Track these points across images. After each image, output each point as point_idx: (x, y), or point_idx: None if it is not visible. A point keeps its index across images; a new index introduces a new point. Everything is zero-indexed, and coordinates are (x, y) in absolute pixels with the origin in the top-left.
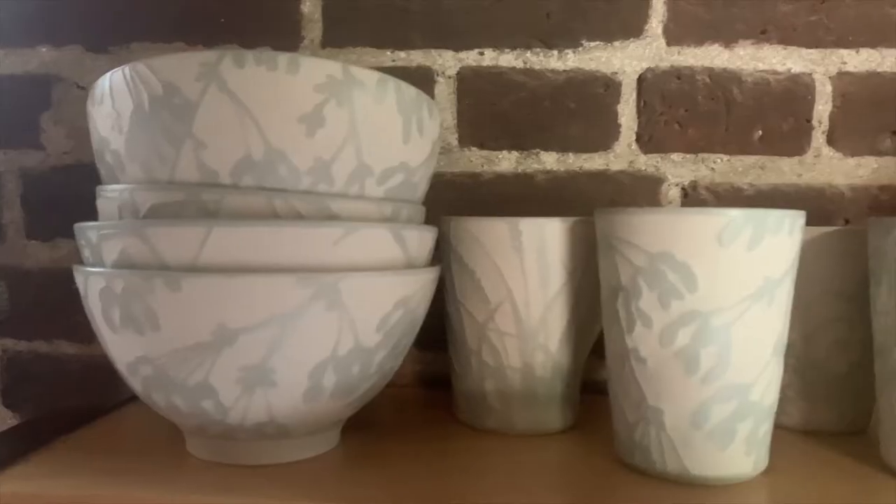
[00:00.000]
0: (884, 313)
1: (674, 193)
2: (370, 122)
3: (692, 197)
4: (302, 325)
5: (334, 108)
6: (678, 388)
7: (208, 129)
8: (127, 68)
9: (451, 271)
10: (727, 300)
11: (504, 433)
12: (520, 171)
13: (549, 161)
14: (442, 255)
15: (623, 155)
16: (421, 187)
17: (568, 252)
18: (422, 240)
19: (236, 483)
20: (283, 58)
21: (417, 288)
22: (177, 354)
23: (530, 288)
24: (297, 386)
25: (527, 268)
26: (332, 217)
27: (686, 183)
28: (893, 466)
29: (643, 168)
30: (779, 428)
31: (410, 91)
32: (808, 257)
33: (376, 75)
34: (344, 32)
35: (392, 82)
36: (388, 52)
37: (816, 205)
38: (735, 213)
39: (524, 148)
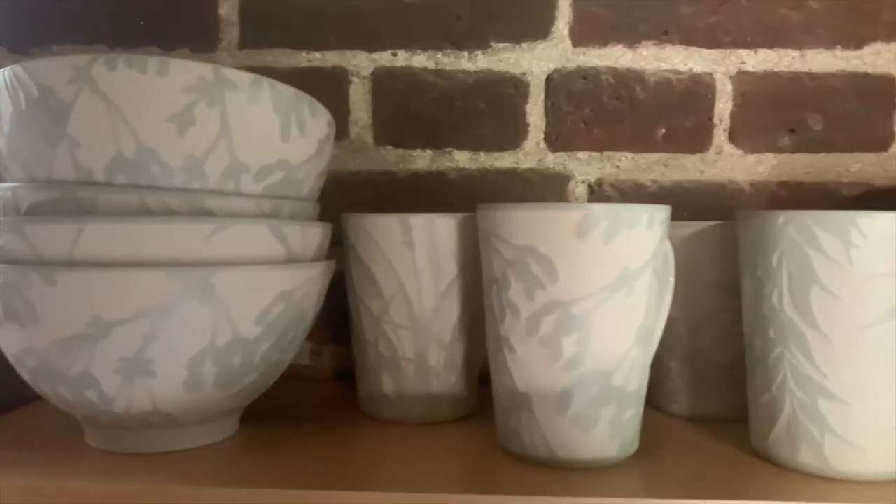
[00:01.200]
0: (747, 303)
1: (581, 190)
2: (244, 122)
3: (598, 193)
4: (176, 317)
5: (205, 108)
6: (544, 375)
7: (82, 130)
8: (6, 71)
9: (350, 266)
10: (586, 290)
11: (400, 423)
12: (433, 168)
13: (462, 159)
14: (343, 250)
15: (532, 153)
16: (307, 184)
17: (458, 247)
18: (306, 235)
19: (129, 470)
20: (153, 60)
21: (302, 282)
22: (57, 346)
23: (422, 282)
24: (177, 376)
25: (418, 262)
26: (206, 213)
27: (592, 180)
28: (759, 451)
29: (551, 166)
30: (668, 415)
31: (288, 91)
32: (694, 250)
33: (249, 77)
34: (261, 34)
35: (266, 83)
36: (304, 53)
37: (717, 200)
38: (591, 208)
39: (438, 146)
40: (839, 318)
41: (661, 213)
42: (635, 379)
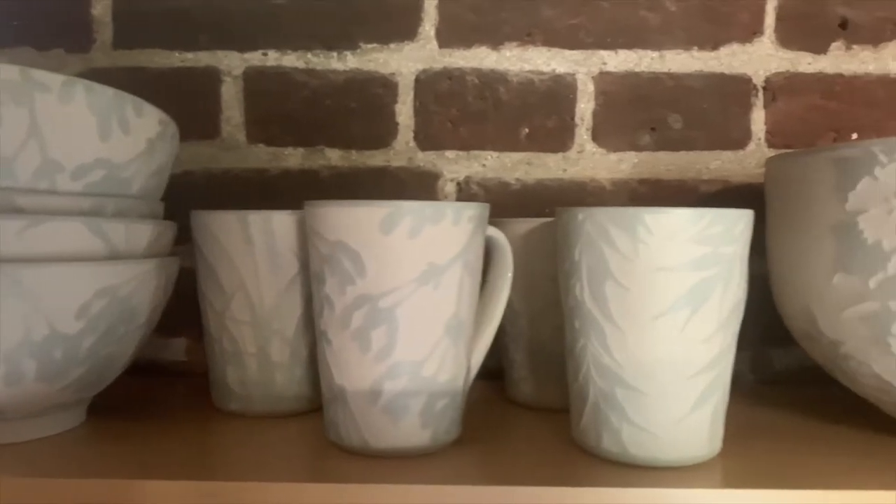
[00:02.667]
0: (561, 296)
1: (450, 188)
2: (55, 122)
3: (465, 191)
4: None
5: (12, 109)
6: (356, 367)
7: None
8: None
9: (196, 263)
10: (393, 284)
11: (245, 416)
12: (306, 167)
13: (334, 157)
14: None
15: (402, 152)
16: (137, 182)
17: (298, 243)
18: (131, 233)
19: None
20: None
21: (127, 278)
22: None
23: (262, 278)
24: None
25: (257, 258)
26: (17, 210)
27: (461, 178)
28: (577, 440)
29: (421, 165)
30: (514, 404)
31: (107, 92)
32: (533, 245)
33: (61, 78)
34: (134, 34)
35: (81, 85)
36: (177, 54)
37: (579, 198)
38: (396, 205)
39: (309, 145)
40: (630, 309)
41: (470, 209)
42: (447, 370)
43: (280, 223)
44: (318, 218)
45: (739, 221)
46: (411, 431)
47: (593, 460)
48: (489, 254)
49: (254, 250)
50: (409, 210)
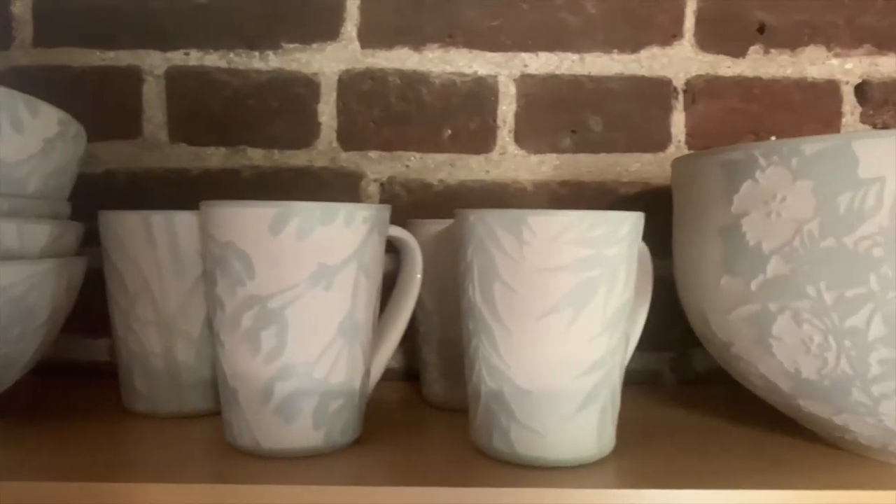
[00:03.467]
0: (459, 297)
1: (373, 189)
2: None
3: (388, 192)
4: None
5: None
6: (247, 368)
7: None
8: None
9: (104, 264)
10: (282, 285)
11: (153, 417)
12: (228, 166)
13: (256, 157)
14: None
15: (325, 152)
16: (32, 182)
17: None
18: (25, 233)
19: None
20: None
21: (20, 278)
22: None
23: (166, 278)
24: None
25: (161, 259)
26: None
27: (384, 179)
28: (472, 440)
29: (345, 165)
30: (428, 405)
31: None
32: (444, 246)
33: None
34: (54, 32)
35: None
36: (98, 52)
37: (500, 199)
38: (285, 205)
39: (231, 144)
40: (517, 310)
41: (364, 210)
42: (342, 371)
43: (183, 224)
44: (209, 219)
45: (624, 224)
46: (303, 432)
47: (485, 460)
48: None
49: (157, 251)
50: (298, 211)
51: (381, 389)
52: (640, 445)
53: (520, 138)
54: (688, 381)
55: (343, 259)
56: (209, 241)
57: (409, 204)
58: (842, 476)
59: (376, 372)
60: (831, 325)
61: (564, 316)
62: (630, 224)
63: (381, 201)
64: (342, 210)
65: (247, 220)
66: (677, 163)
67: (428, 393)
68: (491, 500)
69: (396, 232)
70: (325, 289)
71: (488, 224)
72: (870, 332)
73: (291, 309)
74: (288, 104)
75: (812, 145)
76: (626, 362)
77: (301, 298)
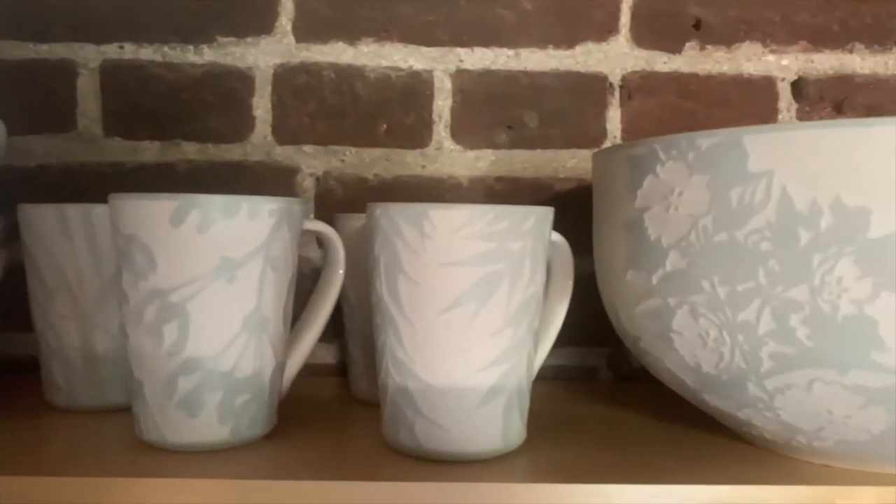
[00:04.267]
0: (370, 291)
1: (308, 183)
2: None
3: (323, 186)
4: None
5: None
6: (151, 362)
7: None
8: None
9: (24, 258)
10: (183, 278)
11: (72, 411)
12: (162, 160)
13: (191, 151)
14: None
15: (260, 146)
16: None
17: None
18: None
19: None
20: None
21: None
22: None
23: (83, 271)
24: None
25: (78, 252)
26: None
27: (319, 173)
28: (383, 435)
29: (280, 159)
30: (355, 400)
31: None
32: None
33: None
34: None
35: None
36: (31, 45)
37: (436, 195)
38: (184, 198)
39: (166, 138)
40: (420, 304)
41: (270, 204)
42: (248, 365)
43: (100, 217)
44: (114, 212)
45: (528, 218)
46: (209, 426)
47: (394, 455)
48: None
49: (74, 244)
50: (199, 203)
51: (312, 384)
52: (551, 440)
53: (456, 133)
54: (624, 377)
55: (247, 252)
56: (115, 235)
57: (344, 199)
58: (745, 471)
59: (294, 366)
60: (725, 319)
61: (467, 310)
62: (535, 219)
63: (317, 196)
64: (245, 203)
65: (147, 213)
66: (595, 158)
67: (354, 388)
68: (392, 494)
69: (316, 226)
70: (229, 282)
71: (392, 218)
72: (760, 326)
73: (193, 302)
74: (223, 98)
75: (707, 140)
76: (541, 357)
77: (203, 292)
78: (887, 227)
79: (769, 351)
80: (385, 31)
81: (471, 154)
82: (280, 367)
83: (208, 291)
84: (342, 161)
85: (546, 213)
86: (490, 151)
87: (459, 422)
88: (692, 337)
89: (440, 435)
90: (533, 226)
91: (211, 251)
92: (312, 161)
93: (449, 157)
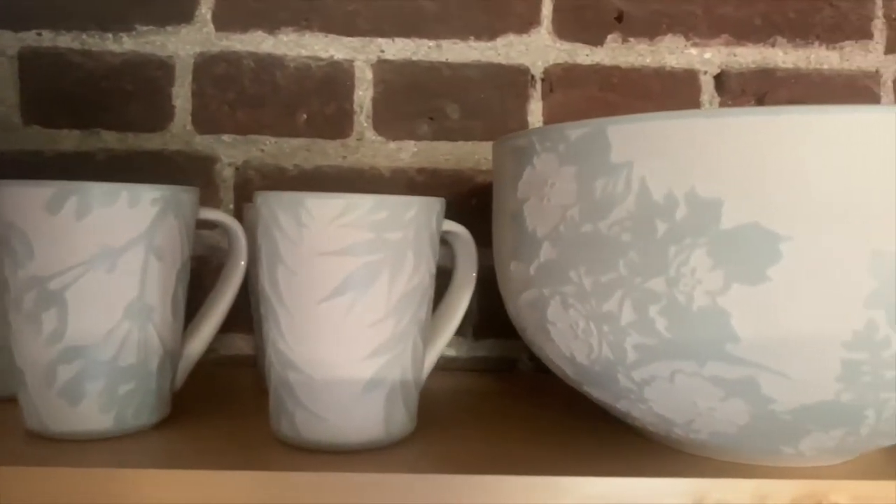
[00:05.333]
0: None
1: (227, 173)
2: None
3: (242, 176)
4: None
5: None
6: (31, 350)
7: None
8: None
9: None
10: (61, 266)
11: None
12: (81, 149)
13: (111, 140)
14: None
15: (179, 135)
16: None
17: None
18: None
19: None
20: None
21: None
22: None
23: None
24: None
25: None
26: None
27: (239, 163)
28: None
29: (199, 149)
30: (264, 392)
31: None
32: None
33: None
34: None
35: None
36: None
37: (357, 185)
38: (62, 185)
39: (85, 127)
40: (298, 293)
41: (153, 192)
42: (131, 354)
43: None
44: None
45: (410, 208)
46: (90, 415)
47: (279, 445)
48: None
49: None
50: (76, 190)
51: (228, 375)
52: (445, 431)
53: (378, 124)
54: (545, 368)
55: (128, 240)
56: None
57: (263, 189)
58: (628, 463)
59: (191, 356)
60: (591, 310)
61: (344, 300)
62: (417, 209)
63: (235, 186)
64: (125, 191)
65: (25, 200)
66: (493, 148)
67: (263, 379)
68: (265, 483)
69: (214, 215)
70: (109, 270)
71: (271, 206)
72: (622, 317)
73: (72, 290)
74: (142, 87)
75: (575, 130)
76: (438, 348)
77: (82, 279)
78: (738, 219)
79: (632, 342)
80: (305, 21)
81: (392, 145)
82: (170, 357)
83: (87, 279)
84: (262, 151)
85: (431, 204)
86: (412, 143)
87: (338, 412)
88: (565, 328)
89: (319, 425)
90: (415, 216)
91: (90, 239)
92: (232, 150)
93: (370, 147)
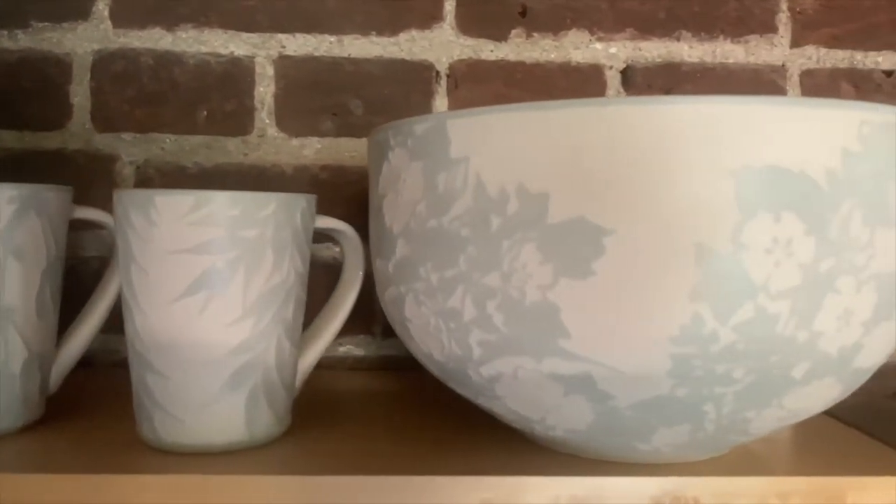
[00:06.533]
0: None
1: (128, 172)
2: None
3: (143, 175)
4: None
5: None
6: None
7: None
8: None
9: None
10: None
11: None
12: None
13: (9, 139)
14: None
15: (79, 134)
16: None
17: None
18: None
19: None
20: None
21: None
22: None
23: None
24: None
25: None
26: None
27: (140, 162)
28: None
29: (99, 147)
30: None
31: None
32: None
33: None
34: None
35: None
36: None
37: (259, 183)
38: None
39: None
40: (151, 293)
41: (10, 191)
42: None
43: None
44: None
45: (266, 205)
46: None
47: (139, 447)
48: None
49: None
50: None
51: (116, 376)
52: (320, 432)
53: (280, 121)
54: None
55: None
56: None
57: (163, 187)
58: (496, 461)
59: (68, 357)
60: (438, 306)
61: (197, 299)
62: (275, 205)
63: (136, 185)
64: None
65: None
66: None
67: None
68: (120, 486)
69: (88, 214)
70: None
71: (124, 205)
72: (465, 313)
73: None
74: (40, 85)
75: (421, 125)
76: (319, 347)
77: None
78: (565, 213)
79: (476, 338)
80: (204, 17)
81: (295, 142)
82: (38, 359)
83: None
84: (162, 149)
85: (293, 201)
86: (315, 139)
87: (196, 413)
88: (421, 324)
89: (177, 426)
90: (273, 213)
91: None
92: (132, 149)
93: (273, 144)
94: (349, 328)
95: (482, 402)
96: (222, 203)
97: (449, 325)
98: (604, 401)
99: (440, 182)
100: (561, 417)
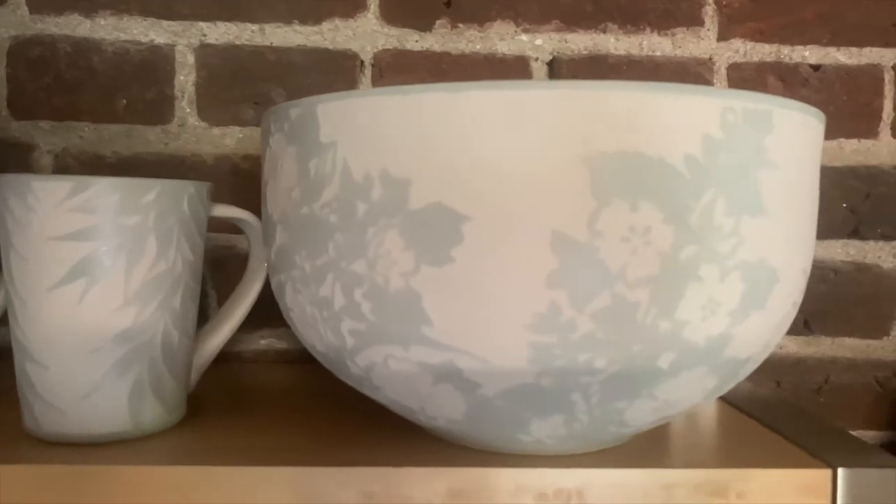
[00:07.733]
0: None
1: (46, 161)
2: None
3: (61, 164)
4: None
5: None
6: None
7: None
8: None
9: None
10: None
11: None
12: None
13: None
14: None
15: None
16: None
17: None
18: None
19: None
20: None
21: None
22: None
23: None
24: None
25: None
26: None
27: (58, 150)
28: None
29: (17, 135)
30: None
31: None
32: None
33: None
34: None
35: None
36: None
37: (178, 172)
38: None
39: None
40: (29, 280)
41: None
42: None
43: None
44: None
45: (147, 191)
46: None
47: (28, 439)
48: None
49: None
50: None
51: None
52: (209, 425)
53: (201, 110)
54: None
55: None
56: None
57: None
58: (393, 451)
59: None
60: (312, 295)
61: (76, 287)
62: (157, 192)
63: (55, 174)
64: None
65: None
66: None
67: None
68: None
69: None
70: None
71: (2, 189)
72: (335, 301)
73: None
74: None
75: (295, 109)
76: (221, 337)
77: None
78: (425, 199)
79: (347, 327)
80: (124, 4)
81: (216, 131)
82: None
83: None
84: (81, 138)
85: (179, 187)
86: (237, 128)
87: (76, 403)
88: (301, 314)
89: (58, 417)
90: (155, 200)
91: None
92: (51, 137)
93: (193, 133)
94: (270, 320)
95: (367, 392)
96: (102, 189)
97: (323, 315)
98: (472, 390)
99: (312, 168)
100: (437, 407)
